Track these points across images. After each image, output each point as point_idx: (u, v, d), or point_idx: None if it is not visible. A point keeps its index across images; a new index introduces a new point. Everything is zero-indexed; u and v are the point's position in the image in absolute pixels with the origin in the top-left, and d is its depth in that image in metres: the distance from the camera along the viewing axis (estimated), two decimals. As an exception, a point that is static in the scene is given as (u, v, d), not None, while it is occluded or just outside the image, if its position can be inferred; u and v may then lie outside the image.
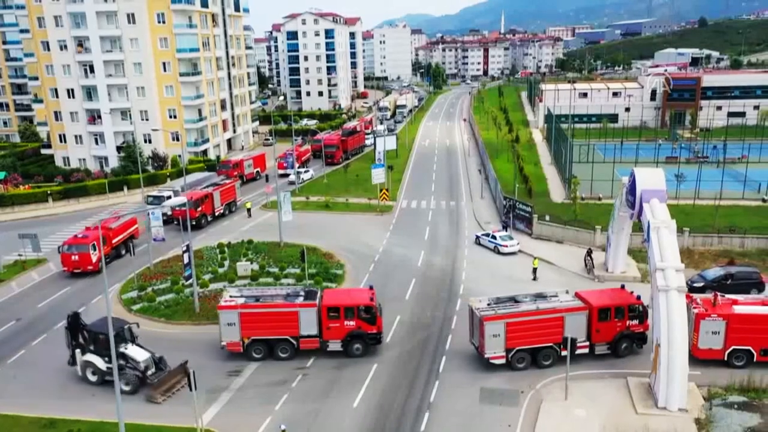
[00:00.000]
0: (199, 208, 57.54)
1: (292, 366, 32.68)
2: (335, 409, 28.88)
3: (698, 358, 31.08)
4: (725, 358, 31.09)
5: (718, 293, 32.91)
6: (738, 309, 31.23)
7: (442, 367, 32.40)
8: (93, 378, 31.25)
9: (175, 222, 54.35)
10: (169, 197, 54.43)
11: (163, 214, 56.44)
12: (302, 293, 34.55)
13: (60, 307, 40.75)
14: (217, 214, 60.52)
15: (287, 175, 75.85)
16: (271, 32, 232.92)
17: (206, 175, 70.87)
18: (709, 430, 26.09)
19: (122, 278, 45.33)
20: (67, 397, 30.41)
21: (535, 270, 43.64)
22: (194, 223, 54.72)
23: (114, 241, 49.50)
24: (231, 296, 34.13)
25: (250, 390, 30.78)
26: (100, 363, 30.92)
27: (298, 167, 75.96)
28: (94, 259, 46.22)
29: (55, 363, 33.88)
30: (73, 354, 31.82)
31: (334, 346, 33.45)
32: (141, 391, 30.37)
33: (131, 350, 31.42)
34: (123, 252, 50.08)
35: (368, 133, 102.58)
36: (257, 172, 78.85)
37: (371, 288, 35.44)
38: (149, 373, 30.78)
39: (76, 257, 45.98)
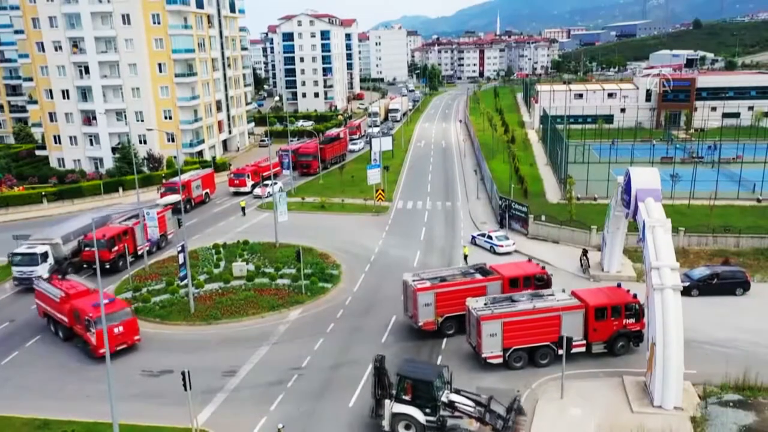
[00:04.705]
0: (115, 248, 45.95)
1: (287, 366, 32.59)
2: (331, 409, 28.78)
3: None
4: None
5: None
6: None
7: (438, 366, 32.36)
8: None
9: (85, 266, 46.12)
10: (44, 253, 44.17)
11: (65, 259, 45.75)
12: (472, 270, 37.13)
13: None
14: (140, 252, 48.36)
15: (241, 193, 69.05)
16: (267, 33, 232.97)
17: (107, 212, 53.03)
18: (705, 428, 26.09)
19: (117, 280, 45.22)
20: (60, 398, 30.25)
21: (465, 257, 46.76)
22: (108, 266, 45.13)
23: None
24: (414, 280, 35.49)
25: (245, 390, 30.65)
26: (419, 416, 25.66)
27: (263, 182, 65.01)
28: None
29: (49, 364, 33.80)
30: (377, 404, 26.66)
31: None
32: None
33: (455, 397, 26.34)
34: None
35: (355, 138, 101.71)
36: (206, 194, 67.79)
37: (530, 260, 39.96)
38: (486, 418, 25.58)
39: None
